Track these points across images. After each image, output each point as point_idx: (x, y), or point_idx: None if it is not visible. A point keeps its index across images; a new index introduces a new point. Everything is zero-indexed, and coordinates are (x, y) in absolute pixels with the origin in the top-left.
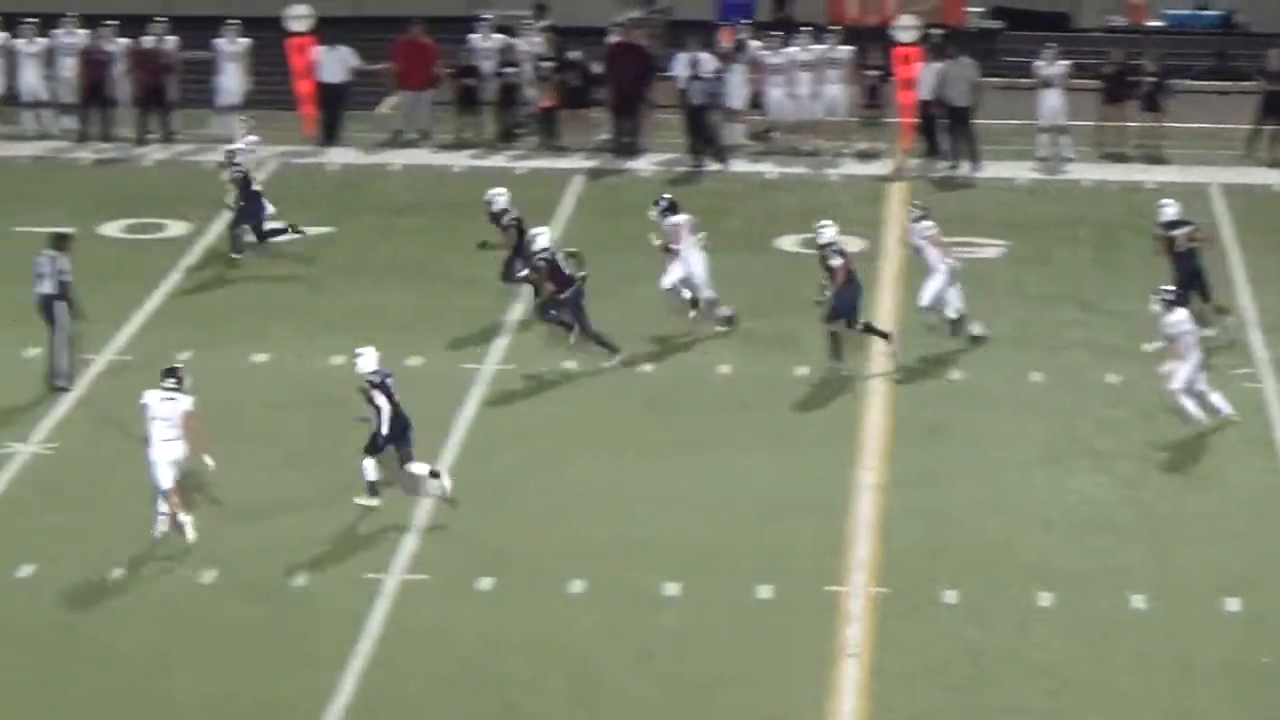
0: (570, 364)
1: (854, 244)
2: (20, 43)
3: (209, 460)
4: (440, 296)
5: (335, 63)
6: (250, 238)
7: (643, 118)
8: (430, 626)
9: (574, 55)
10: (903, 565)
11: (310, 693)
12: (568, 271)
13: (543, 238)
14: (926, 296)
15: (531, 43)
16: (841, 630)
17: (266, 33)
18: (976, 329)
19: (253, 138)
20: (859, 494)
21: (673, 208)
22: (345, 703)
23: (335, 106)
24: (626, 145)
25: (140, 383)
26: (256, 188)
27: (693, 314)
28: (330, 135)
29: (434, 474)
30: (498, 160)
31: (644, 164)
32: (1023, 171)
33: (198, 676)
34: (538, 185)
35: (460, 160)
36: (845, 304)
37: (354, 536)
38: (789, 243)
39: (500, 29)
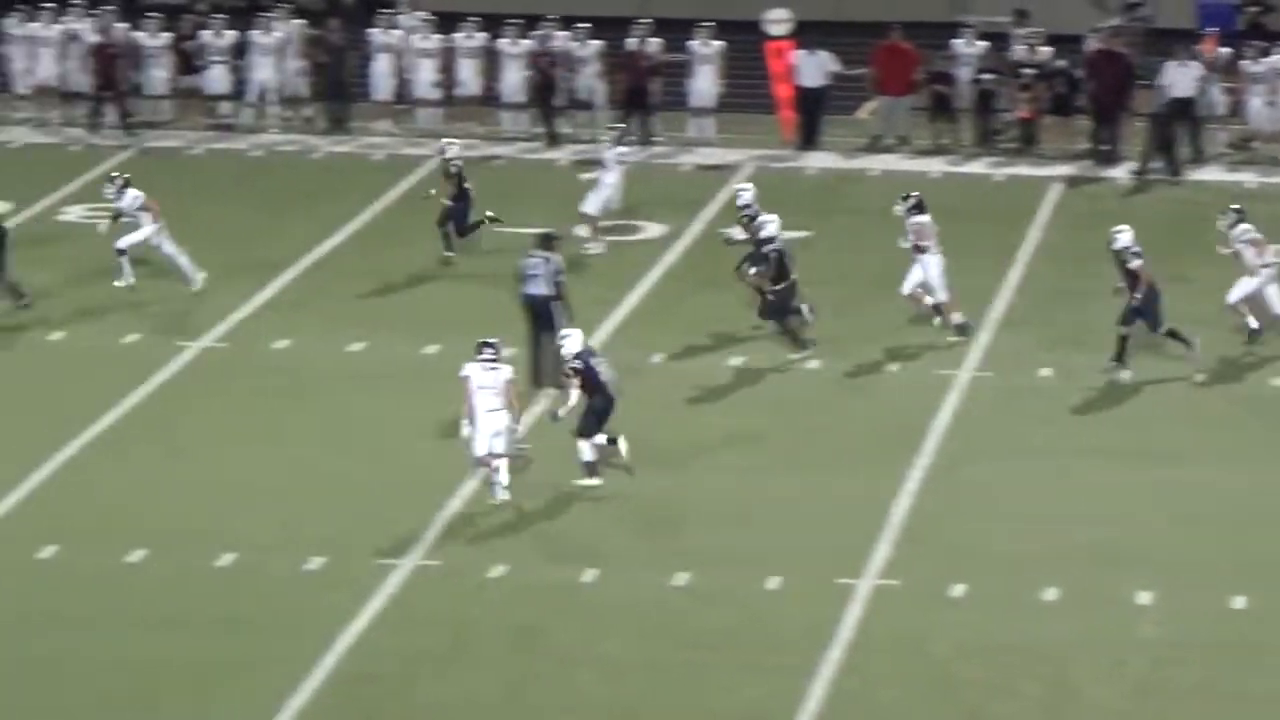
0: (1045, 372)
1: None
2: (459, 37)
3: (518, 426)
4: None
5: (814, 67)
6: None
7: (1122, 126)
8: (901, 633)
9: (1060, 63)
10: None
11: (780, 700)
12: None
13: (772, 226)
14: (1235, 295)
15: (1015, 50)
16: None
17: (745, 36)
18: None
19: (621, 149)
20: None
21: (919, 206)
22: (815, 710)
23: (814, 111)
24: (1106, 153)
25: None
26: (467, 185)
27: (937, 320)
28: (809, 139)
29: (611, 440)
30: (975, 167)
31: (1122, 172)
32: None
33: (671, 683)
34: (1015, 192)
35: (937, 166)
36: (1146, 309)
37: (826, 540)
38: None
39: (983, 35)
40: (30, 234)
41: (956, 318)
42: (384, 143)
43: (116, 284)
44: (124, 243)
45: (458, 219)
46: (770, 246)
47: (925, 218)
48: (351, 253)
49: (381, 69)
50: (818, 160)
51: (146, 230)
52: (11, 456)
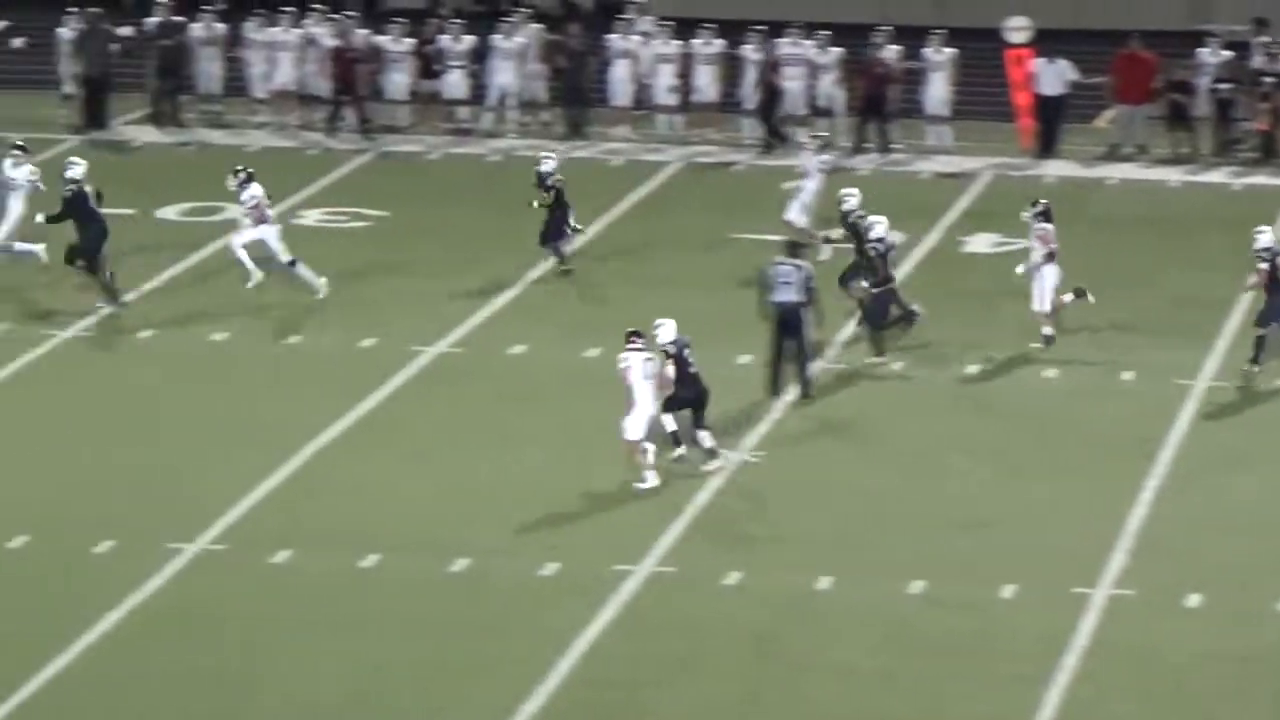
0: None
1: None
2: (697, 43)
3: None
4: (1155, 311)
5: (1054, 75)
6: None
7: None
8: (1136, 642)
9: None
10: None
11: (1014, 709)
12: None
13: (880, 227)
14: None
15: (1254, 59)
16: None
17: (984, 43)
18: None
19: (825, 156)
20: None
21: (1046, 214)
22: (1050, 719)
23: (1053, 119)
24: None
25: (860, 394)
26: (565, 197)
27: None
28: (1047, 148)
29: (711, 453)
30: (1214, 176)
31: None
32: None
33: (905, 691)
34: (1255, 201)
35: (1175, 175)
36: (1275, 310)
37: (1061, 549)
38: None
39: (1229, 44)
40: None
41: (1048, 330)
42: (622, 148)
43: (246, 285)
44: (237, 240)
45: (551, 227)
46: (877, 247)
47: (1049, 225)
48: (588, 258)
49: (619, 74)
50: (1056, 169)
51: (260, 230)
52: (248, 461)
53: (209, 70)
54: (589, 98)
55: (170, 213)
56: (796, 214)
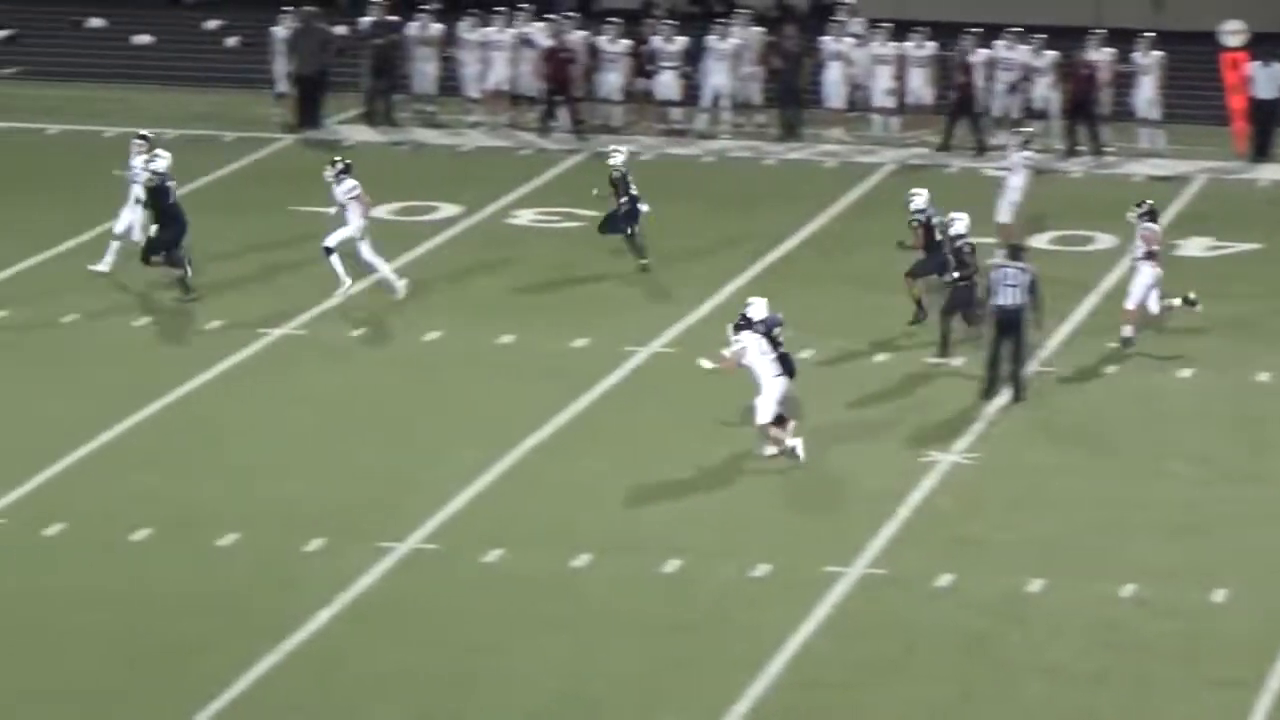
0: None
1: None
2: (909, 46)
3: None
4: None
5: (1269, 79)
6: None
7: None
8: None
9: None
10: None
11: (1228, 713)
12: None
13: (960, 224)
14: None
15: None
16: None
17: (1200, 47)
18: None
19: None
20: None
21: (1152, 214)
22: None
23: (1267, 123)
24: None
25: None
26: (634, 191)
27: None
28: (1261, 152)
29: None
30: None
31: None
32: None
33: (1119, 693)
34: None
35: None
36: None
37: (1272, 553)
38: None
39: None
40: (481, 236)
41: (1128, 330)
42: (836, 150)
43: (337, 293)
44: (332, 240)
45: (622, 221)
46: (960, 242)
47: (1155, 226)
48: (803, 259)
49: (833, 76)
50: (1270, 173)
51: (354, 225)
52: (460, 460)
53: (423, 70)
54: (803, 99)
55: (382, 212)
56: (1006, 214)
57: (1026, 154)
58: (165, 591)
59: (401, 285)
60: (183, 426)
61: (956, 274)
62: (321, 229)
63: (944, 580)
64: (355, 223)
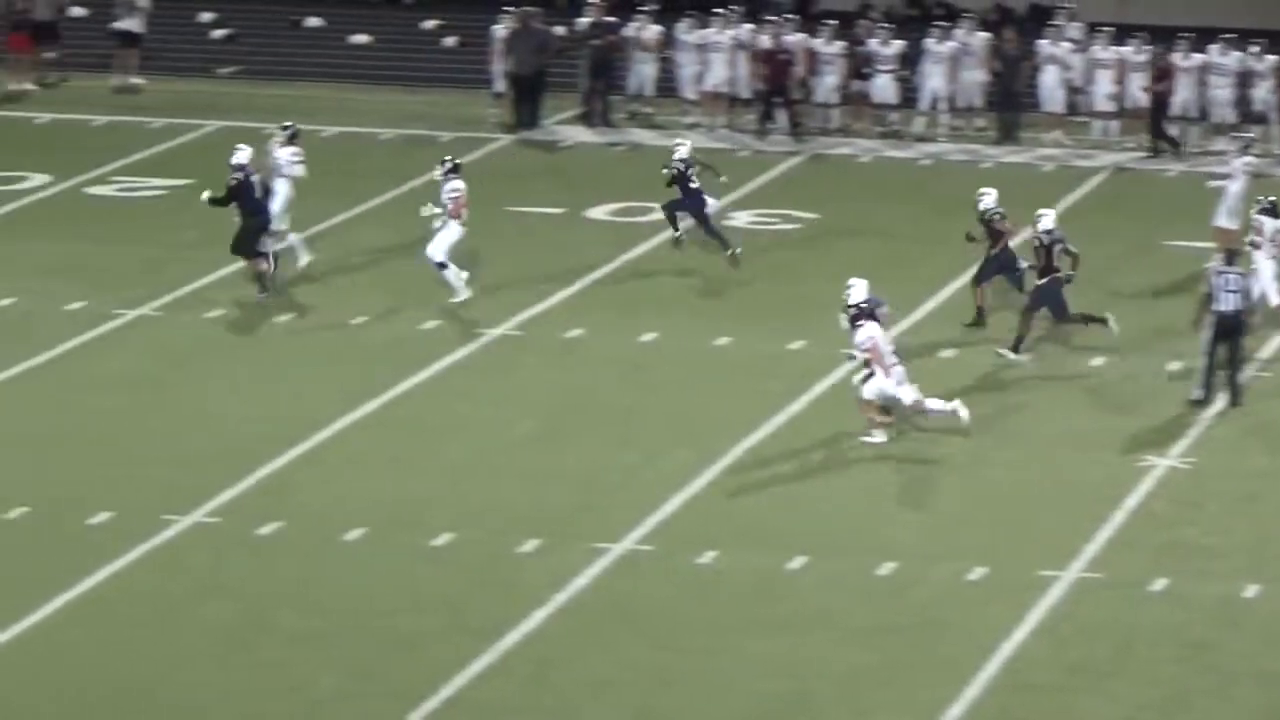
0: None
1: None
2: (1127, 50)
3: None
4: None
5: None
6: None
7: None
8: None
9: None
10: None
11: None
12: (1055, 263)
13: (1047, 220)
14: None
15: None
16: None
17: None
18: None
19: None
20: None
21: (1272, 210)
22: None
23: None
24: None
25: None
26: (695, 184)
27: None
28: None
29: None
30: None
31: None
32: None
33: None
34: None
35: None
36: None
37: None
38: None
39: None
40: (697, 239)
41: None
42: (1054, 153)
43: (452, 301)
44: (439, 254)
45: (691, 211)
46: (1042, 238)
47: (1277, 222)
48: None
49: (1049, 80)
50: None
51: (454, 232)
52: (676, 461)
53: (641, 71)
54: (1022, 103)
55: (599, 213)
56: (1225, 219)
57: (1247, 159)
58: (380, 591)
59: (465, 292)
60: (398, 426)
61: (1027, 265)
62: (538, 228)
63: (1159, 585)
64: (455, 228)
